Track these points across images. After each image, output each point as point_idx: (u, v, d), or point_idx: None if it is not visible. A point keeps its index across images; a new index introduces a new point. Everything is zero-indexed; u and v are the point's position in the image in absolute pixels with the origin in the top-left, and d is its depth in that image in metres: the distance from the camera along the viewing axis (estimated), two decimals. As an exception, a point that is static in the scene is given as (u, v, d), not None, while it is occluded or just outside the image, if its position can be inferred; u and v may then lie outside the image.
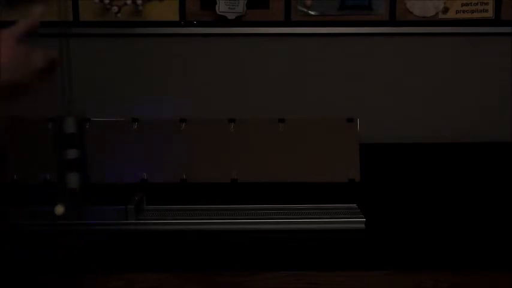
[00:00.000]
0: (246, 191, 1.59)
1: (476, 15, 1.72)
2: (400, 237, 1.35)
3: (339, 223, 1.39)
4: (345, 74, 1.76)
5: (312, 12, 1.72)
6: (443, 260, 1.23)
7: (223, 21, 1.70)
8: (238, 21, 1.70)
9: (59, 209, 1.03)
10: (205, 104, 1.74)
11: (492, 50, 1.75)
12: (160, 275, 1.18)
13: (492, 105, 1.77)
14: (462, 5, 1.72)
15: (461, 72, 1.77)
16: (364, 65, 1.76)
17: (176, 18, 1.71)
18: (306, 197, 1.53)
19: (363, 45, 1.75)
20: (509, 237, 1.33)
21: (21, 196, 1.51)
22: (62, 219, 1.15)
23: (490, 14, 1.72)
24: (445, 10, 1.72)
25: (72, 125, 1.30)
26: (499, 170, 1.68)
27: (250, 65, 1.76)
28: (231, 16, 1.69)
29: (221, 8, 1.68)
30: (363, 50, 1.75)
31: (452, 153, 1.71)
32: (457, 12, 1.72)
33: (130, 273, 1.19)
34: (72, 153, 1.30)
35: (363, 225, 1.38)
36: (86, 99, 1.70)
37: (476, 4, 1.71)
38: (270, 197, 1.54)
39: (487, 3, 1.71)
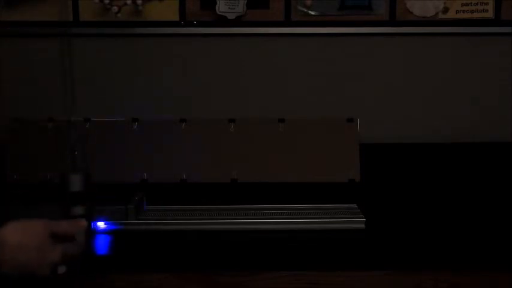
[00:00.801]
0: (246, 191, 1.59)
1: (476, 15, 1.72)
2: (400, 237, 1.35)
3: (339, 223, 1.39)
4: (345, 74, 1.76)
5: (312, 12, 1.72)
6: (443, 260, 1.23)
7: (223, 21, 1.70)
8: (238, 21, 1.70)
9: (61, 269, 1.06)
10: (205, 104, 1.74)
11: (492, 50, 1.75)
12: (160, 275, 1.19)
13: (492, 105, 1.77)
14: (462, 5, 1.72)
15: (461, 72, 1.77)
16: (364, 65, 1.76)
17: (176, 18, 1.71)
18: (306, 197, 1.53)
19: (363, 45, 1.75)
20: (509, 237, 1.33)
21: (21, 196, 1.50)
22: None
23: (490, 14, 1.72)
24: (445, 10, 1.72)
25: (78, 182, 1.26)
26: (499, 170, 1.68)
27: (250, 65, 1.76)
28: (231, 16, 1.69)
29: (221, 8, 1.68)
30: (363, 50, 1.75)
31: (452, 153, 1.71)
32: (457, 12, 1.72)
33: (131, 273, 1.19)
34: (79, 210, 1.27)
35: (363, 225, 1.38)
36: (86, 99, 1.71)
37: (476, 4, 1.71)
38: (270, 197, 1.54)
39: (487, 3, 1.71)
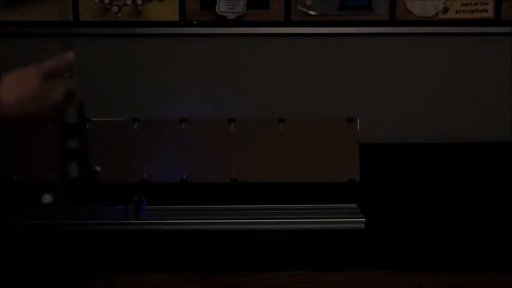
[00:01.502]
0: (246, 191, 1.59)
1: (476, 15, 1.72)
2: (400, 237, 1.34)
3: (339, 223, 1.39)
4: (345, 74, 1.76)
5: (312, 12, 1.72)
6: (443, 260, 1.23)
7: (223, 21, 1.70)
8: (238, 21, 1.70)
9: (46, 198, 1.04)
10: (205, 104, 1.74)
11: (492, 50, 1.75)
12: (160, 275, 1.19)
13: (492, 105, 1.77)
14: (462, 5, 1.72)
15: (461, 72, 1.77)
16: (364, 65, 1.76)
17: (176, 18, 1.71)
18: (306, 197, 1.53)
19: (363, 45, 1.75)
20: (509, 237, 1.33)
21: (21, 196, 1.50)
22: (50, 207, 1.15)
23: (490, 14, 1.72)
24: (445, 10, 1.72)
25: (74, 115, 1.26)
26: (499, 170, 1.68)
27: (250, 65, 1.76)
28: (231, 16, 1.69)
29: (221, 8, 1.68)
30: (363, 50, 1.75)
31: (452, 153, 1.71)
32: (457, 12, 1.72)
33: (131, 273, 1.19)
34: (73, 144, 1.27)
35: (363, 225, 1.38)
36: (86, 99, 1.71)
37: (476, 4, 1.71)
38: (270, 197, 1.54)
39: (487, 3, 1.71)
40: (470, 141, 1.73)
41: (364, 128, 1.67)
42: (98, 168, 1.25)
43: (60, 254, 1.24)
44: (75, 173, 1.20)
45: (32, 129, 1.66)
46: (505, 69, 1.75)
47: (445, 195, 1.60)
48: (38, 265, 1.20)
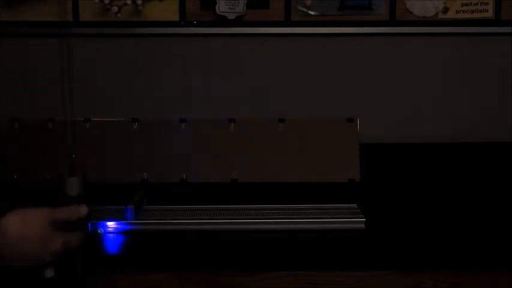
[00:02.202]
0: (246, 191, 1.59)
1: (476, 15, 1.72)
2: (400, 237, 1.35)
3: (339, 223, 1.39)
4: (345, 74, 1.76)
5: (312, 12, 1.72)
6: (443, 260, 1.23)
7: (223, 21, 1.70)
8: (238, 21, 1.70)
9: (49, 273, 1.04)
10: (205, 104, 1.74)
11: (492, 50, 1.75)
12: (160, 275, 1.18)
13: (492, 105, 1.77)
14: (462, 5, 1.72)
15: (461, 72, 1.77)
16: (364, 65, 1.76)
17: (176, 18, 1.71)
18: (306, 197, 1.53)
19: (363, 45, 1.75)
20: (509, 237, 1.33)
21: (21, 196, 1.50)
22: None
23: (490, 14, 1.72)
24: (445, 10, 1.72)
25: (76, 186, 1.24)
26: (499, 170, 1.68)
27: (250, 65, 1.76)
28: (231, 16, 1.69)
29: (221, 8, 1.68)
30: (363, 50, 1.75)
31: (452, 153, 1.71)
32: (457, 12, 1.72)
33: (131, 273, 1.19)
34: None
35: (363, 225, 1.38)
36: (86, 99, 1.71)
37: (476, 4, 1.71)
38: (270, 197, 1.54)
39: (487, 3, 1.71)
40: (470, 141, 1.73)
41: (364, 128, 1.67)
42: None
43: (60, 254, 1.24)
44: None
45: (32, 130, 1.66)
46: (505, 69, 1.75)
47: (445, 195, 1.60)
48: (38, 265, 1.19)
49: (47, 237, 0.99)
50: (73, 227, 1.03)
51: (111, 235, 1.34)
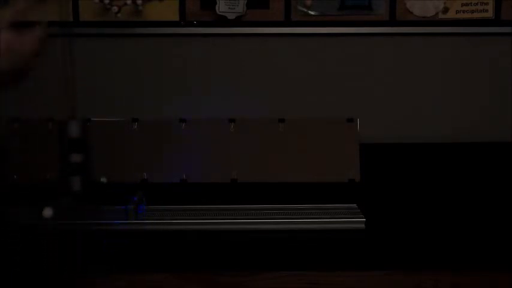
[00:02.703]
0: (246, 191, 1.59)
1: (476, 15, 1.72)
2: (400, 237, 1.35)
3: (339, 223, 1.39)
4: (345, 74, 1.76)
5: (312, 12, 1.72)
6: (443, 260, 1.23)
7: (223, 21, 1.70)
8: (238, 21, 1.70)
9: (47, 212, 1.03)
10: (205, 104, 1.74)
11: (492, 50, 1.75)
12: (160, 275, 1.18)
13: (492, 105, 1.77)
14: (462, 5, 1.72)
15: (461, 72, 1.77)
16: (364, 65, 1.76)
17: (176, 18, 1.71)
18: (306, 197, 1.53)
19: (363, 45, 1.75)
20: (509, 237, 1.33)
21: (21, 196, 1.50)
22: (51, 220, 1.15)
23: (490, 14, 1.72)
24: (445, 10, 1.72)
25: (76, 129, 1.27)
26: (499, 170, 1.68)
27: (250, 65, 1.76)
28: (231, 16, 1.69)
29: (221, 8, 1.68)
30: (363, 50, 1.75)
31: (452, 153, 1.71)
32: (457, 12, 1.72)
33: (131, 273, 1.19)
34: (76, 157, 1.27)
35: (363, 225, 1.38)
36: (86, 99, 1.71)
37: (476, 4, 1.71)
38: (270, 197, 1.54)
39: (487, 3, 1.71)
40: (470, 141, 1.73)
41: (364, 128, 1.67)
42: (103, 179, 1.24)
43: (60, 254, 1.24)
44: (78, 186, 1.20)
45: (32, 130, 1.66)
46: (505, 69, 1.75)
47: (445, 195, 1.60)
48: (38, 265, 1.19)
49: (14, 42, 0.97)
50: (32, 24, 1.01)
51: (111, 235, 1.34)
